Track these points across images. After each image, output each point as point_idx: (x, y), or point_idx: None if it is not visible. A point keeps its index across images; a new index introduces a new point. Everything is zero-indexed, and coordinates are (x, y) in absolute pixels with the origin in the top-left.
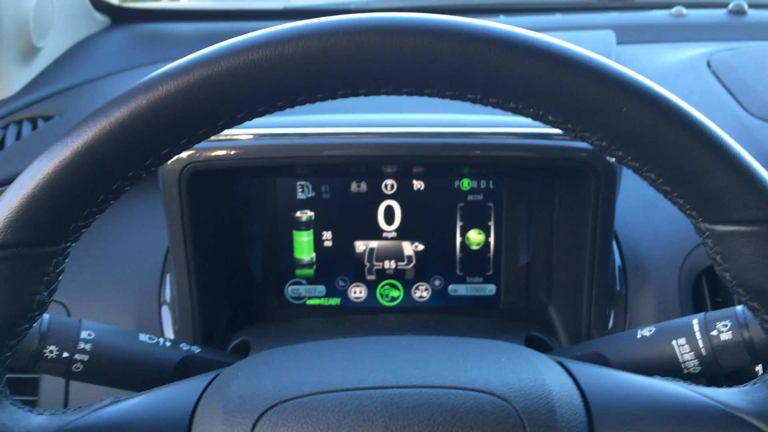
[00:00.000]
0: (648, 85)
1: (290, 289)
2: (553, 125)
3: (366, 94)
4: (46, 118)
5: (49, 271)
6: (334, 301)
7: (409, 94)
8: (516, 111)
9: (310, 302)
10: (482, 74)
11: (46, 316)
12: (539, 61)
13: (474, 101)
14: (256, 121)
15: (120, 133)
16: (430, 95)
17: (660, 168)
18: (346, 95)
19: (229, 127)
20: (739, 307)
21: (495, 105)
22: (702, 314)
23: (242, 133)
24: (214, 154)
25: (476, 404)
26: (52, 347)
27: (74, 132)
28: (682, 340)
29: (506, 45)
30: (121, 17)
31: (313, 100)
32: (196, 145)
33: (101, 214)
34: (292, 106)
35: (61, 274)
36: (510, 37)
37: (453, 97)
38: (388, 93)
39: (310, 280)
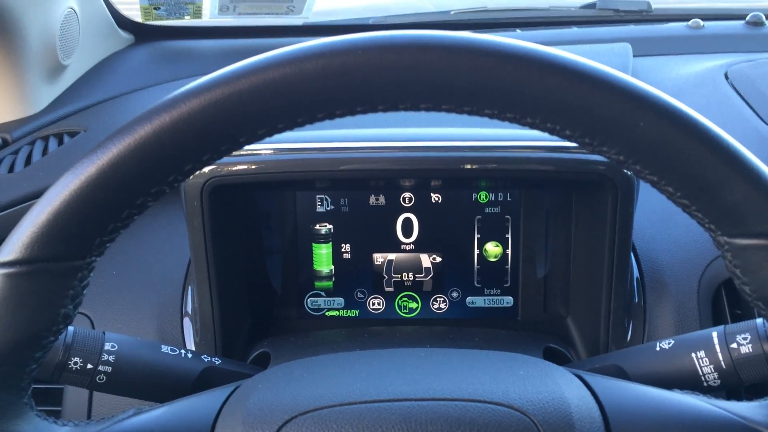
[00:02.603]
0: (665, 99)
1: (310, 301)
2: (570, 140)
3: (384, 111)
4: (72, 134)
5: (75, 284)
6: (353, 313)
7: (427, 110)
8: (533, 126)
9: (329, 314)
10: (499, 90)
11: (70, 328)
12: (556, 77)
13: (491, 117)
14: (276, 135)
15: (144, 150)
16: (448, 111)
17: (678, 182)
18: (364, 111)
19: (251, 143)
20: (760, 320)
21: (512, 120)
22: (722, 327)
23: (262, 148)
24: (235, 168)
25: (495, 417)
26: (77, 359)
27: (99, 149)
28: (702, 353)
29: (523, 61)
30: (144, 35)
31: (332, 117)
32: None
33: (125, 229)
34: (312, 122)
35: (86, 288)
36: (527, 53)
37: (471, 113)
38: (406, 109)
39: (329, 292)
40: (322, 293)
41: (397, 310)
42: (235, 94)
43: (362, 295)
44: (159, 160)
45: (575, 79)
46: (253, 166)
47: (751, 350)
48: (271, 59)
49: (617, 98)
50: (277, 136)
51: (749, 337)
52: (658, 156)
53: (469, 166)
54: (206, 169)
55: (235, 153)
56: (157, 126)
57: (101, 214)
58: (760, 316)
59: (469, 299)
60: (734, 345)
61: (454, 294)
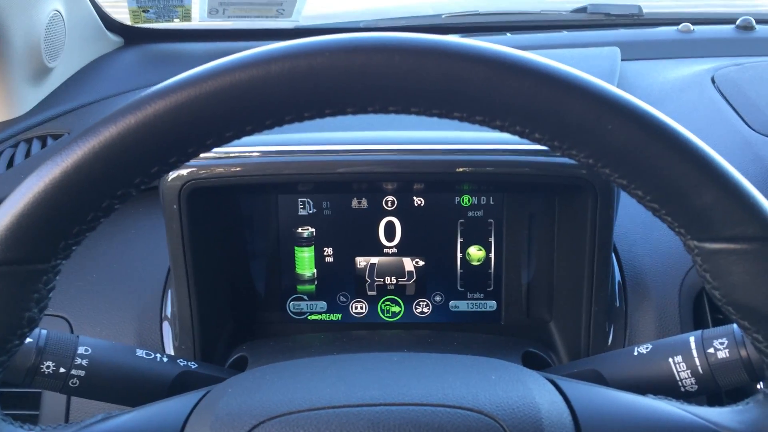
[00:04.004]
0: (634, 103)
1: (292, 305)
2: (540, 143)
3: (353, 113)
4: (56, 137)
5: (40, 288)
6: (335, 317)
7: (396, 112)
8: (503, 129)
9: (311, 318)
10: (468, 93)
11: (43, 331)
12: (524, 80)
13: (461, 119)
14: (257, 137)
15: (108, 152)
16: (417, 114)
17: (647, 185)
18: (333, 114)
19: (218, 145)
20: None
21: (482, 123)
22: (699, 332)
23: (242, 150)
24: (214, 171)
25: (463, 422)
26: (49, 363)
27: (64, 151)
28: (679, 358)
29: (491, 63)
30: (134, 37)
31: (300, 119)
32: (196, 162)
33: (92, 232)
34: (280, 124)
35: (51, 291)
36: (495, 56)
37: (440, 116)
38: (375, 111)
39: (312, 296)
40: (305, 297)
41: (380, 314)
42: (201, 97)
43: (345, 299)
44: (124, 163)
45: (543, 81)
46: (233, 169)
47: (727, 355)
48: (236, 61)
49: (585, 101)
50: (257, 138)
51: (726, 342)
52: (627, 159)
53: (451, 170)
54: (184, 172)
55: (214, 155)
56: (121, 128)
57: (65, 217)
58: (731, 320)
59: (452, 303)
60: (711, 350)
61: (437, 298)
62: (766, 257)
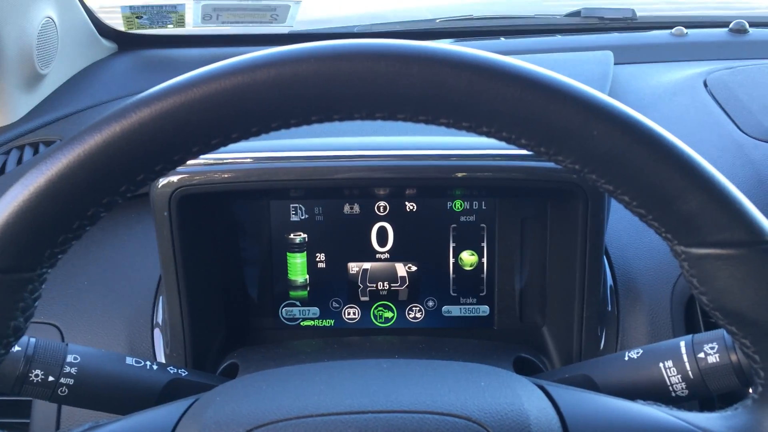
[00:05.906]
0: (619, 108)
1: (284, 311)
2: (527, 149)
3: (340, 120)
4: (48, 143)
5: (25, 297)
6: (328, 323)
7: (383, 119)
8: (489, 135)
9: (304, 324)
10: (454, 99)
11: (32, 339)
12: (509, 86)
13: (447, 126)
14: (248, 143)
15: (94, 160)
16: (404, 120)
17: (633, 191)
18: (319, 121)
19: (205, 153)
20: None
21: (468, 129)
22: (690, 336)
23: (234, 156)
24: (204, 177)
25: (451, 429)
26: (38, 371)
27: (49, 159)
28: (669, 363)
29: (477, 70)
30: (127, 43)
31: (287, 126)
32: (186, 168)
33: (77, 240)
34: (266, 131)
35: (37, 300)
36: (480, 62)
37: (426, 122)
38: (361, 118)
39: (304, 302)
40: (297, 303)
41: (373, 319)
42: (186, 104)
43: (337, 305)
44: (109, 171)
45: (529, 87)
46: (224, 175)
47: (718, 360)
48: (222, 68)
49: (571, 107)
50: (248, 144)
51: (716, 346)
52: (613, 165)
53: (444, 175)
54: (174, 178)
55: (203, 162)
56: (106, 136)
57: (51, 226)
58: (718, 325)
59: (444, 308)
60: (701, 355)
61: (430, 303)
62: (752, 262)
